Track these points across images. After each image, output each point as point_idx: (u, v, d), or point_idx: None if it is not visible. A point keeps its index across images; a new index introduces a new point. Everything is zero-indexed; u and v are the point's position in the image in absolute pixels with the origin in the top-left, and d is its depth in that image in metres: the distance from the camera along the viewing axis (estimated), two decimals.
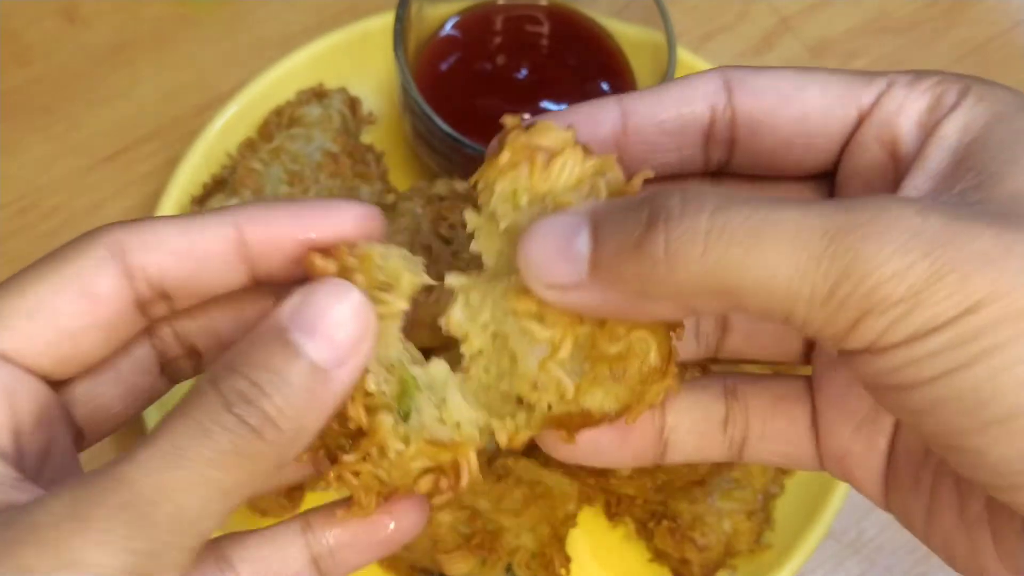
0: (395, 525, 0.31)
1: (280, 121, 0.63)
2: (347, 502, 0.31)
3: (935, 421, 0.24)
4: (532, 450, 0.56)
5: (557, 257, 0.27)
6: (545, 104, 0.61)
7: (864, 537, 0.59)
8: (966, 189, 0.26)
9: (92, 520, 0.25)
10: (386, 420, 0.29)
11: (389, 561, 0.55)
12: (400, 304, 0.30)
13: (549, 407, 0.30)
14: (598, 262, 0.26)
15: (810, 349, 0.34)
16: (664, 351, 0.29)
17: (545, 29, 0.63)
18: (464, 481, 0.30)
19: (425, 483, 0.30)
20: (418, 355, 0.32)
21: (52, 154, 0.67)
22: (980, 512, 0.28)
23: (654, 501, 0.56)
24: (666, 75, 0.57)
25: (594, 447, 0.32)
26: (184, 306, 0.32)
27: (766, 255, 0.24)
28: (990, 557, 0.28)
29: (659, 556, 0.56)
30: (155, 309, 0.32)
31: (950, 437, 0.25)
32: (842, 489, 0.54)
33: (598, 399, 0.29)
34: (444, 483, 0.30)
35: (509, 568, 0.53)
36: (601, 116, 0.31)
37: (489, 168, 0.30)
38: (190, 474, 0.26)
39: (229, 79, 0.67)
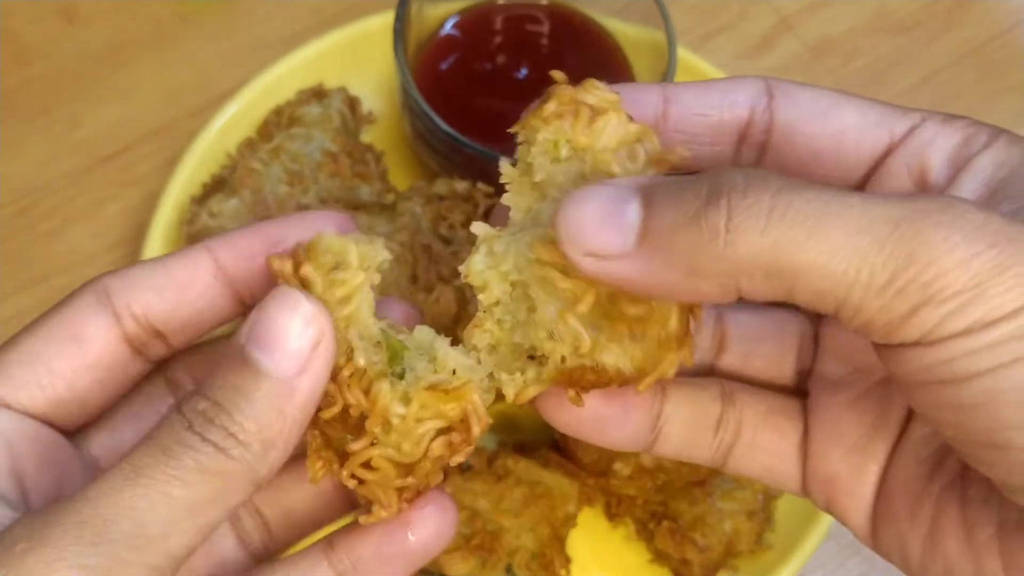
0: (417, 533, 0.31)
1: (280, 121, 0.63)
2: (369, 506, 0.31)
3: (984, 416, 0.24)
4: (532, 451, 0.56)
5: (604, 224, 0.26)
6: None
7: None
8: (1007, 212, 0.26)
9: (48, 539, 0.25)
10: (383, 386, 0.29)
11: None
12: (358, 277, 0.30)
13: (563, 360, 0.29)
14: (649, 233, 0.26)
15: (803, 376, 0.34)
16: (684, 321, 0.29)
17: (545, 28, 0.63)
18: (475, 429, 0.30)
19: (438, 446, 0.30)
20: (399, 326, 0.32)
21: (52, 154, 0.66)
22: (990, 537, 0.27)
23: (654, 502, 0.56)
24: (666, 75, 0.57)
25: (596, 418, 0.32)
26: (181, 343, 0.33)
27: (828, 237, 0.24)
28: None
29: (659, 556, 0.56)
30: (152, 349, 0.32)
31: (996, 433, 0.24)
32: None
33: (613, 356, 0.29)
34: (457, 438, 0.30)
35: (509, 568, 0.53)
36: (644, 98, 0.31)
37: (533, 117, 0.30)
38: (149, 492, 0.26)
39: (229, 79, 0.67)
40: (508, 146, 0.63)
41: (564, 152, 0.29)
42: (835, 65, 0.74)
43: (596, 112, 0.29)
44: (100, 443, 0.33)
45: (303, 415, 0.28)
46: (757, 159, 0.32)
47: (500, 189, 0.60)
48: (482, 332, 0.31)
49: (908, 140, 0.29)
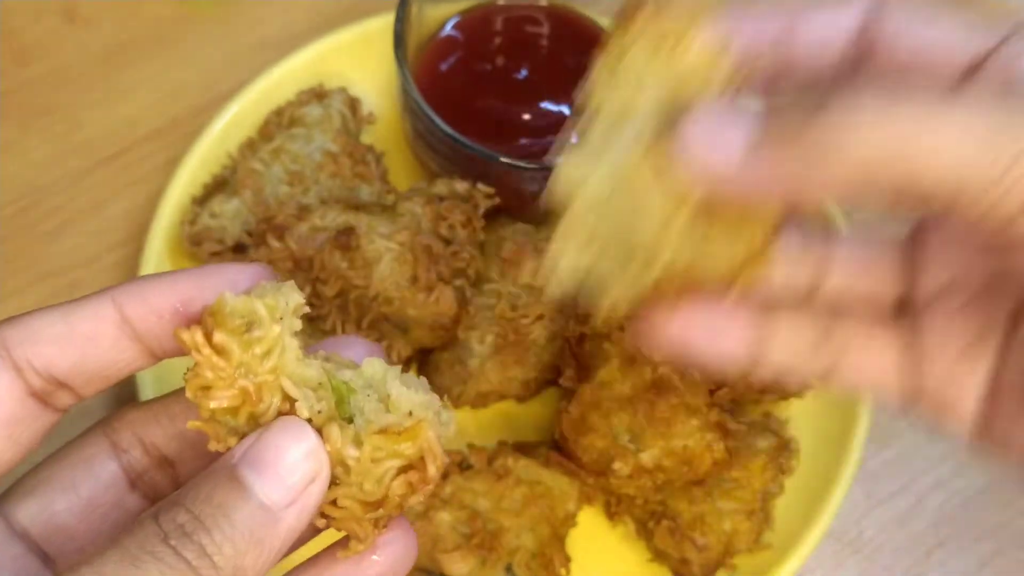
0: (383, 555, 0.30)
1: (280, 121, 0.63)
2: (346, 542, 0.30)
3: None
4: (532, 450, 0.56)
5: (726, 127, 0.27)
6: (545, 105, 0.61)
7: (864, 537, 0.59)
8: None
9: None
10: (332, 431, 0.28)
11: None
12: (274, 331, 0.29)
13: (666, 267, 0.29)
14: (770, 131, 0.26)
15: (902, 299, 0.34)
16: (769, 233, 0.29)
17: (545, 29, 0.63)
18: (432, 470, 0.29)
19: (398, 485, 0.29)
20: (343, 360, 0.31)
21: (52, 154, 0.67)
22: None
23: (654, 501, 0.56)
24: None
25: (705, 326, 0.32)
26: (90, 392, 0.31)
27: (950, 119, 0.24)
28: None
29: (659, 556, 0.56)
30: (60, 400, 0.31)
31: None
32: (842, 488, 0.55)
33: (711, 258, 0.29)
34: (415, 477, 0.29)
35: (509, 568, 0.53)
36: (765, 26, 0.31)
37: (635, 18, 0.30)
38: None
39: (229, 79, 0.67)
40: (508, 146, 0.63)
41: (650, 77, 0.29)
42: None
43: (678, 36, 0.29)
44: (29, 512, 0.32)
45: (282, 548, 0.27)
46: (862, 57, 0.32)
47: (500, 189, 0.61)
48: (569, 245, 0.30)
49: (1000, 49, 0.30)
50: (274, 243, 0.55)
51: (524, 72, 0.62)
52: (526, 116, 0.60)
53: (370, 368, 0.30)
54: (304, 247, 0.55)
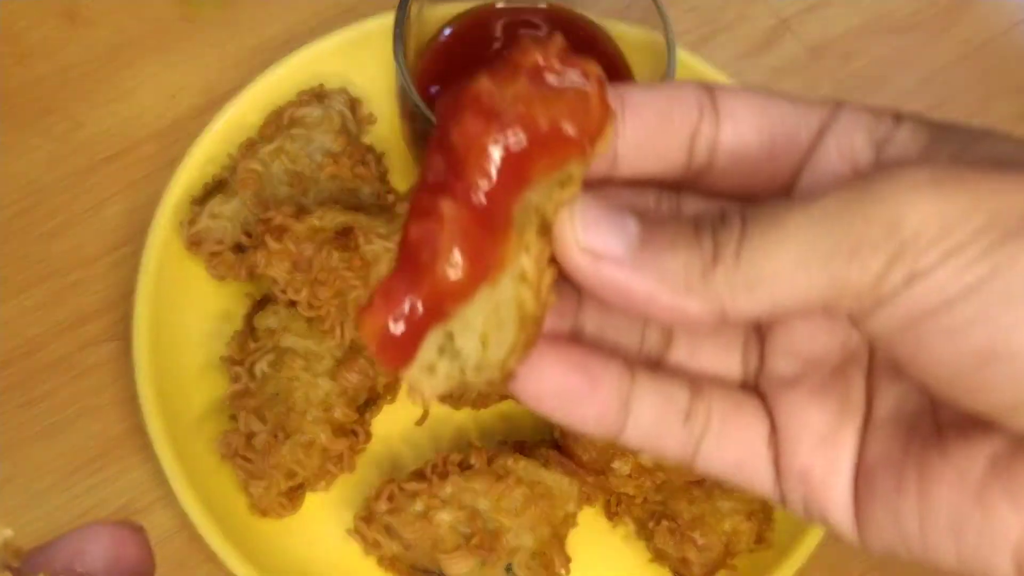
0: None
1: (280, 122, 0.63)
2: None
3: (981, 330, 0.25)
4: (532, 450, 0.56)
5: (607, 226, 0.27)
6: None
7: None
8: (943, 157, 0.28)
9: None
10: None
11: (389, 561, 0.55)
12: None
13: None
14: (646, 244, 0.27)
15: (752, 374, 0.33)
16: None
17: (545, 31, 0.63)
18: None
19: None
20: None
21: (53, 155, 0.67)
22: (986, 473, 0.27)
23: (654, 501, 0.56)
24: (666, 76, 0.57)
25: (562, 391, 0.31)
26: None
27: (792, 234, 0.26)
28: (1008, 511, 0.27)
29: (659, 556, 0.56)
30: None
31: (997, 342, 0.25)
32: None
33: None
34: None
35: (509, 568, 0.53)
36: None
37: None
38: None
39: (230, 80, 0.67)
40: None
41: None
42: (834, 66, 0.74)
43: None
44: None
45: None
46: (708, 158, 0.32)
47: None
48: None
49: (833, 125, 0.31)
50: (272, 244, 0.55)
51: None
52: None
53: None
54: (303, 248, 0.55)
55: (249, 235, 0.58)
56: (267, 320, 0.58)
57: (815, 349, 0.32)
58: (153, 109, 0.68)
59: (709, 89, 0.31)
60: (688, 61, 0.66)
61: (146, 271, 0.58)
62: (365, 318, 0.28)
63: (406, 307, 0.27)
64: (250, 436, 0.55)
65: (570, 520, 0.55)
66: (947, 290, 0.25)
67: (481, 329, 0.28)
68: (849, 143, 0.30)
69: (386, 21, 0.61)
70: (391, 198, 0.60)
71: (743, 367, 0.34)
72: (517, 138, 0.27)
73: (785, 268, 0.26)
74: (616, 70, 0.62)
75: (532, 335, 0.28)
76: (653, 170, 0.32)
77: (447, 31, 0.63)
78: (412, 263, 0.27)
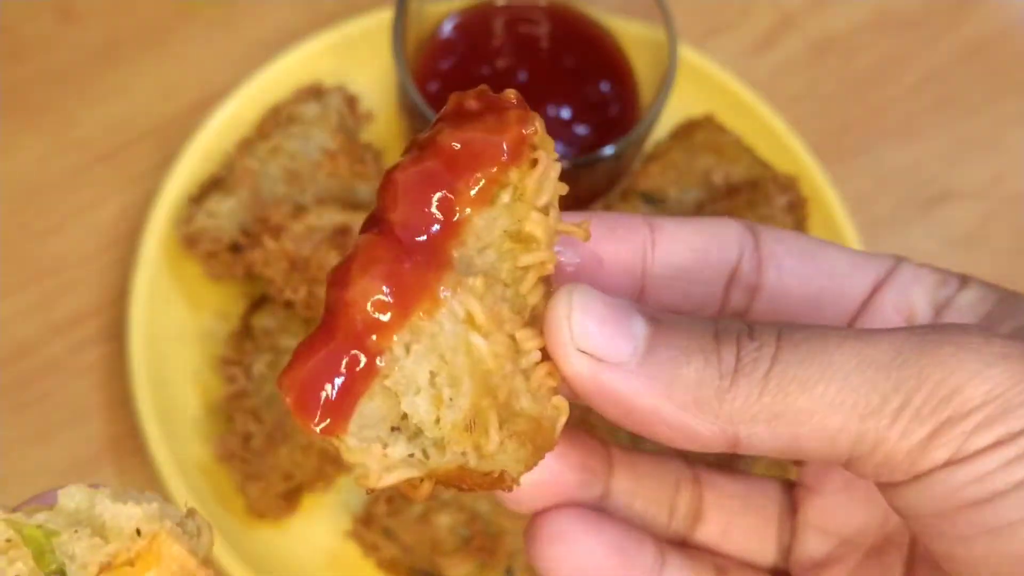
0: None
1: (278, 119, 0.62)
2: None
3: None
4: None
5: (610, 326, 0.24)
6: (544, 105, 0.60)
7: None
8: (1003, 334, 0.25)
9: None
10: None
11: (389, 564, 0.54)
12: None
13: (463, 454, 0.25)
14: (655, 351, 0.24)
15: (784, 553, 0.32)
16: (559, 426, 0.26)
17: (545, 28, 0.62)
18: None
19: None
20: (34, 507, 0.25)
21: (48, 152, 0.66)
22: None
23: None
24: (667, 73, 0.57)
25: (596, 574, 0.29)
26: None
27: (834, 373, 0.23)
28: None
29: None
30: None
31: None
32: None
33: (510, 460, 0.25)
34: None
35: (509, 570, 0.53)
36: (630, 224, 0.29)
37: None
38: None
39: (226, 76, 0.66)
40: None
41: (504, 198, 0.26)
42: (837, 63, 0.73)
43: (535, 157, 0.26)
44: None
45: None
46: (747, 303, 0.30)
47: None
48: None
49: (891, 280, 0.29)
50: (270, 243, 0.54)
51: (524, 71, 0.61)
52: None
53: (70, 499, 0.24)
54: (300, 247, 0.54)
55: (246, 234, 0.58)
56: (264, 320, 0.58)
57: (851, 525, 0.30)
58: (148, 106, 0.67)
59: (753, 230, 0.29)
60: (690, 58, 0.65)
61: (141, 271, 0.58)
62: (284, 379, 0.25)
63: (325, 355, 0.24)
64: (247, 437, 0.54)
65: None
66: (995, 483, 0.22)
67: (428, 386, 0.25)
68: (907, 301, 0.28)
69: (384, 17, 0.60)
70: None
71: (777, 543, 0.31)
72: (425, 164, 0.25)
73: (818, 407, 0.23)
74: (617, 68, 0.62)
75: (539, 440, 0.25)
76: (683, 307, 0.29)
77: (446, 28, 0.62)
78: (330, 310, 0.25)
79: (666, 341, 0.24)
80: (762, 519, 0.31)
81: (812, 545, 0.30)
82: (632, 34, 0.61)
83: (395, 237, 0.25)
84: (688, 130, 0.64)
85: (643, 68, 0.61)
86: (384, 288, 0.24)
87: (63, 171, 0.66)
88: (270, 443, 0.54)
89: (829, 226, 0.62)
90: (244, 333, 0.58)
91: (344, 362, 0.24)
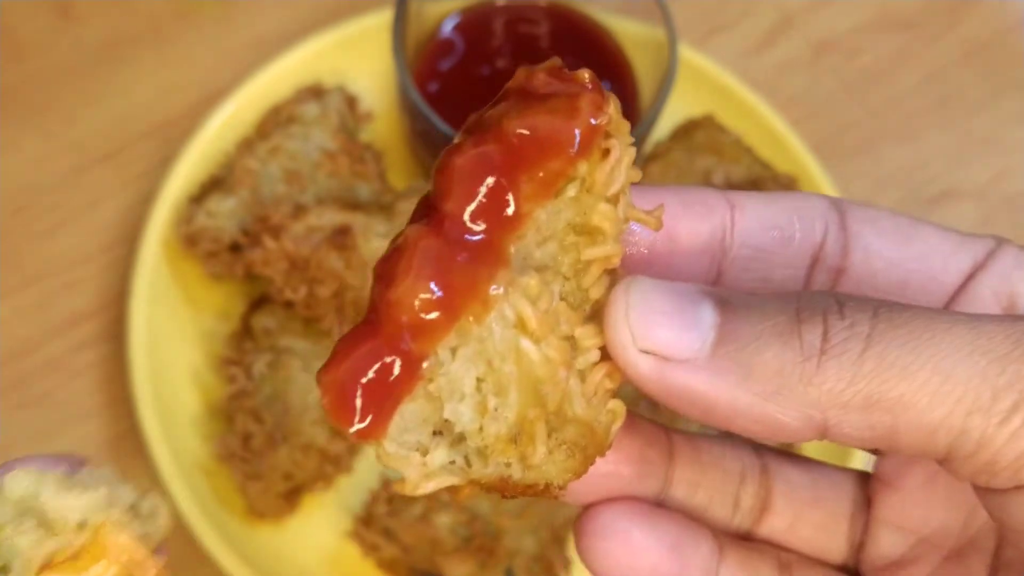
0: None
1: (278, 119, 0.62)
2: None
3: None
4: None
5: (675, 318, 0.22)
6: None
7: None
8: None
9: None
10: None
11: (388, 564, 0.54)
12: None
13: (507, 465, 0.24)
14: (727, 339, 0.22)
15: (855, 550, 0.29)
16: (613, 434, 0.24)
17: (545, 28, 0.62)
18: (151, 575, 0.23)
19: None
20: None
21: (47, 152, 0.66)
22: None
23: None
24: (667, 73, 0.57)
25: (648, 574, 0.27)
26: None
27: (939, 358, 0.20)
28: None
29: None
30: None
31: None
32: None
33: (556, 470, 0.23)
34: None
35: (509, 571, 0.53)
36: (710, 201, 0.27)
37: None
38: None
39: (226, 76, 0.66)
40: None
41: (571, 191, 0.24)
42: (837, 63, 0.73)
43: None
44: None
45: None
46: (830, 286, 0.27)
47: None
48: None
49: (990, 265, 0.26)
50: (270, 243, 0.54)
51: None
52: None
53: (17, 486, 0.22)
54: (300, 247, 0.54)
55: (246, 234, 0.58)
56: (264, 320, 0.58)
57: (931, 525, 0.27)
58: (148, 106, 0.67)
59: (839, 206, 0.26)
60: (690, 58, 0.65)
61: (141, 271, 0.58)
62: (323, 377, 0.23)
63: (366, 354, 0.23)
64: (247, 437, 0.54)
65: (570, 523, 0.55)
66: None
67: (474, 393, 0.23)
68: (1008, 287, 0.25)
69: (384, 17, 0.60)
70: (389, 197, 0.60)
71: (848, 539, 0.29)
72: (486, 150, 0.23)
73: (920, 397, 0.20)
74: (617, 68, 0.62)
75: (589, 448, 0.23)
76: (763, 291, 0.26)
77: (447, 28, 0.62)
78: (375, 307, 0.23)
79: (739, 326, 0.22)
80: (833, 513, 0.29)
81: (887, 543, 0.28)
82: (632, 34, 0.61)
83: (447, 229, 0.23)
84: (688, 130, 0.64)
85: (643, 68, 0.61)
86: (432, 287, 0.22)
87: (63, 171, 0.65)
88: (270, 443, 0.54)
89: None
90: (244, 333, 0.58)
91: (386, 364, 0.23)
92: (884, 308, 0.21)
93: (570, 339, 0.23)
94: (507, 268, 0.23)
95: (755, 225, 0.27)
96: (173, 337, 0.58)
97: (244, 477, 0.54)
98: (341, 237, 0.54)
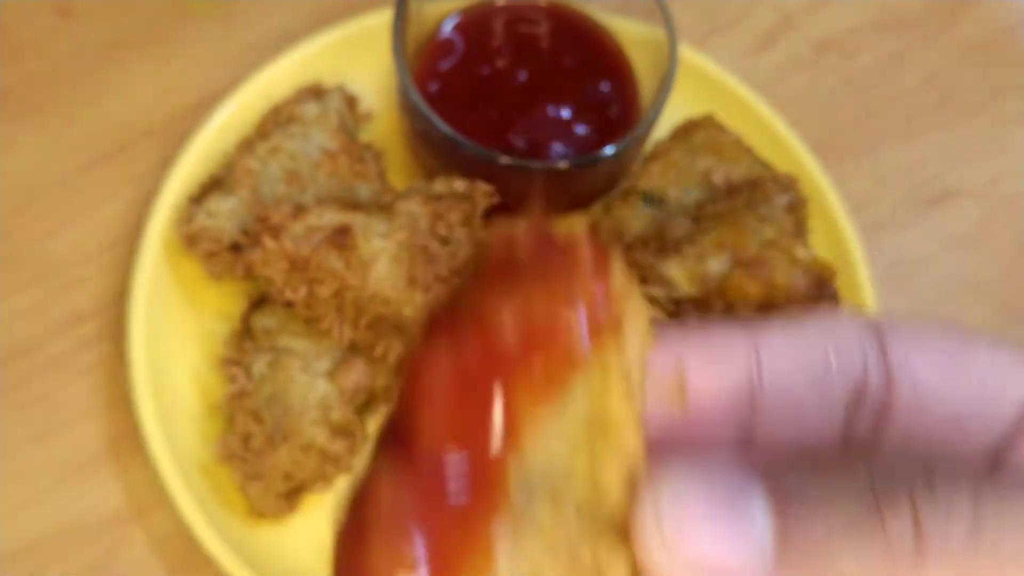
0: None
1: (278, 119, 0.62)
2: None
3: None
4: None
5: (720, 525, 0.18)
6: (545, 105, 0.60)
7: None
8: None
9: None
10: None
11: None
12: None
13: None
14: (791, 543, 0.18)
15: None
16: None
17: (545, 28, 0.62)
18: None
19: None
20: None
21: (46, 153, 0.66)
22: None
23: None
24: (667, 73, 0.57)
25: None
26: None
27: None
28: None
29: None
30: None
31: None
32: None
33: None
34: None
35: None
36: (731, 344, 0.23)
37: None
38: None
39: (226, 76, 0.66)
40: (507, 146, 0.62)
41: (578, 383, 0.20)
42: (838, 63, 0.73)
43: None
44: None
45: None
46: (875, 426, 0.23)
47: (499, 189, 0.60)
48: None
49: None
50: (269, 243, 0.54)
51: (524, 71, 0.61)
52: (526, 116, 0.60)
53: None
54: (300, 247, 0.54)
55: (246, 234, 0.58)
56: (264, 320, 0.58)
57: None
58: (148, 106, 0.67)
59: (878, 330, 0.22)
60: (690, 58, 0.65)
61: (141, 270, 0.58)
62: None
63: None
64: (247, 438, 0.54)
65: None
66: None
67: None
68: None
69: (384, 17, 0.60)
70: (389, 197, 0.60)
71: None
72: (465, 355, 0.18)
73: None
74: (617, 68, 0.62)
75: None
76: (797, 439, 0.23)
77: (447, 27, 0.62)
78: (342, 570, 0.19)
79: (803, 523, 0.18)
80: None
81: None
82: (632, 34, 0.61)
83: (427, 467, 0.18)
84: (688, 130, 0.64)
85: (643, 68, 0.61)
86: (416, 547, 0.18)
87: (63, 171, 0.65)
88: (270, 443, 0.54)
89: (829, 226, 0.62)
90: (244, 333, 0.58)
91: None
92: (985, 486, 0.18)
93: (594, 567, 0.19)
94: (508, 499, 0.19)
95: (785, 365, 0.23)
96: (173, 337, 0.58)
97: (244, 477, 0.54)
98: (341, 237, 0.54)
